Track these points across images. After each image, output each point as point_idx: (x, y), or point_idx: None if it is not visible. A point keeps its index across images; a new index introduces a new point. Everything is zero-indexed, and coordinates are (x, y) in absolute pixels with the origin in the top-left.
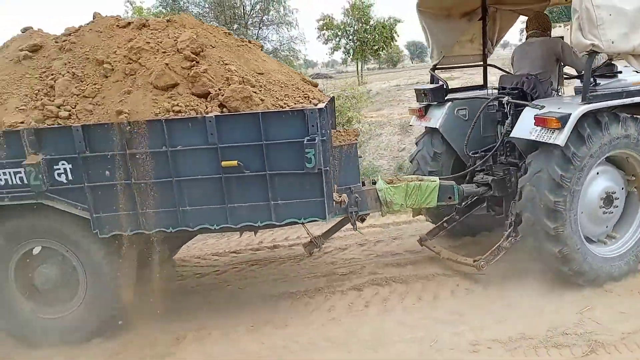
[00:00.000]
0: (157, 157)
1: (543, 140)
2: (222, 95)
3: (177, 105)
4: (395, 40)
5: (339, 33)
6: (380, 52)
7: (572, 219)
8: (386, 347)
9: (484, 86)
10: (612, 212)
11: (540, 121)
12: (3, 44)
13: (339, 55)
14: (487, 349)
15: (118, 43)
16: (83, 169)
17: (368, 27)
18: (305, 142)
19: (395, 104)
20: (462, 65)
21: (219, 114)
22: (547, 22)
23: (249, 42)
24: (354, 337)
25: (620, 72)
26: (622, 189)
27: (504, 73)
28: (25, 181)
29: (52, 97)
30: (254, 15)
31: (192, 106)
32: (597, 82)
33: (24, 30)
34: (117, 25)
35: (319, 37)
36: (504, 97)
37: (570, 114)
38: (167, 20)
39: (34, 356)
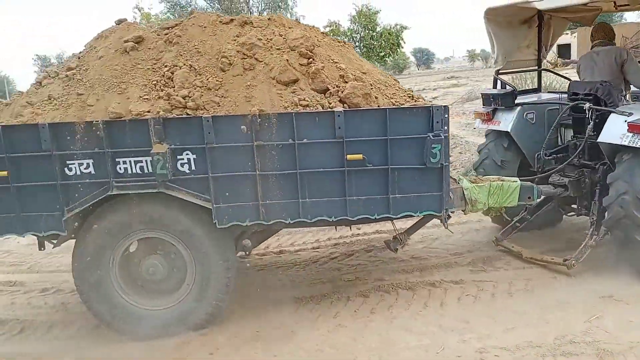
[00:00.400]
0: (283, 149)
1: (637, 146)
2: (342, 92)
3: (304, 100)
4: (402, 47)
5: (346, 39)
6: (386, 59)
7: None
8: (392, 354)
9: (537, 89)
10: None
11: (634, 127)
12: (98, 35)
13: None
14: (494, 356)
15: (225, 39)
16: (208, 160)
17: (374, 33)
18: (431, 138)
19: None
20: (520, 70)
21: (347, 109)
22: (612, 32)
23: (344, 42)
24: (360, 344)
25: None
26: None
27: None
28: (147, 170)
29: (172, 88)
30: None
31: (315, 101)
32: None
33: (119, 22)
34: (220, 22)
35: None
36: (584, 103)
37: None
38: (268, 19)
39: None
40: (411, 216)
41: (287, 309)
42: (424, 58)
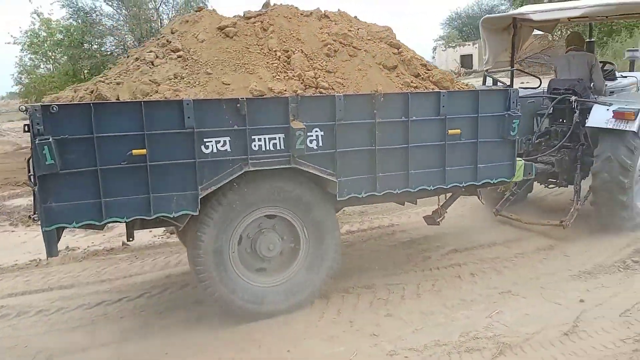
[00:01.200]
0: (398, 125)
1: (619, 128)
2: (433, 77)
3: (412, 82)
4: None
5: None
6: None
7: (634, 177)
8: None
9: (510, 86)
10: None
11: (619, 115)
12: (181, 20)
13: None
14: (403, 358)
15: (313, 29)
16: (335, 136)
17: None
18: (511, 115)
19: None
20: (502, 69)
21: (453, 90)
22: (583, 40)
23: None
24: (274, 354)
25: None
26: None
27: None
28: (280, 147)
29: (292, 70)
30: None
31: (417, 84)
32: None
33: (198, 9)
34: (302, 14)
35: None
36: (571, 97)
37: (633, 110)
38: (339, 14)
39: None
40: (489, 183)
41: (196, 326)
42: None
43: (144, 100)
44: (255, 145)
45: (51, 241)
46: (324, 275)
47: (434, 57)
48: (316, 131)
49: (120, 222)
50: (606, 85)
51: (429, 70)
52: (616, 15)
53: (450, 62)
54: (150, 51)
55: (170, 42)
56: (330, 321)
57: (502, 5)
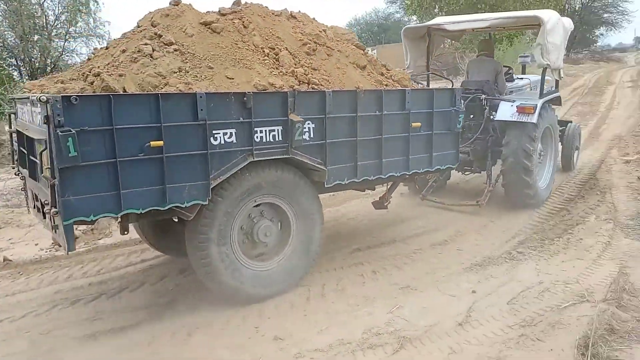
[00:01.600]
0: (373, 119)
1: (522, 120)
2: (395, 77)
3: (382, 81)
4: None
5: None
6: None
7: (535, 161)
8: None
9: (427, 86)
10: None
11: (521, 109)
12: (162, 13)
13: None
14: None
15: (287, 28)
16: (324, 128)
17: None
18: (457, 110)
19: None
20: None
21: (413, 88)
22: (493, 47)
23: None
24: None
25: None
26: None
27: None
28: (278, 138)
29: (282, 67)
30: (58, 26)
31: (384, 82)
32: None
33: (175, 3)
34: (273, 14)
35: None
36: (481, 95)
37: (537, 104)
38: (306, 16)
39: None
40: (439, 169)
41: (99, 343)
42: None
43: (161, 92)
44: (257, 137)
45: (70, 235)
46: (312, 257)
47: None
48: (308, 124)
49: (135, 213)
50: (507, 86)
51: (388, 70)
52: (513, 26)
53: None
54: (146, 43)
55: (161, 35)
56: (236, 328)
57: (397, 14)
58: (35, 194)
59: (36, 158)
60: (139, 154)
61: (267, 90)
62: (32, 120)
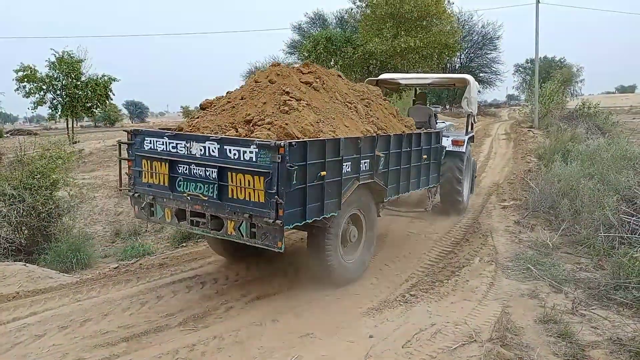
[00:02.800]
0: (406, 154)
1: (456, 150)
2: (407, 123)
3: (403, 126)
4: (111, 99)
5: (44, 87)
6: (94, 110)
7: (464, 177)
8: None
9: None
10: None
11: (455, 142)
12: (277, 72)
13: (45, 111)
14: None
15: (344, 86)
16: (388, 161)
17: (79, 83)
18: (442, 146)
19: (112, 165)
20: None
21: (423, 132)
22: (426, 98)
23: None
24: None
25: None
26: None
27: None
28: (366, 168)
29: (361, 117)
30: None
31: (403, 127)
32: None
33: (275, 64)
34: (300, 71)
35: (17, 89)
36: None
37: (465, 139)
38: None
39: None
40: (432, 186)
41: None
42: (138, 111)
43: (327, 139)
44: (361, 167)
45: (282, 237)
46: (371, 255)
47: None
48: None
49: (309, 222)
50: (436, 126)
51: (402, 118)
52: (447, 84)
53: None
54: (289, 99)
55: (289, 92)
56: None
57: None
58: (184, 209)
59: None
60: (314, 181)
61: (366, 135)
62: (222, 156)
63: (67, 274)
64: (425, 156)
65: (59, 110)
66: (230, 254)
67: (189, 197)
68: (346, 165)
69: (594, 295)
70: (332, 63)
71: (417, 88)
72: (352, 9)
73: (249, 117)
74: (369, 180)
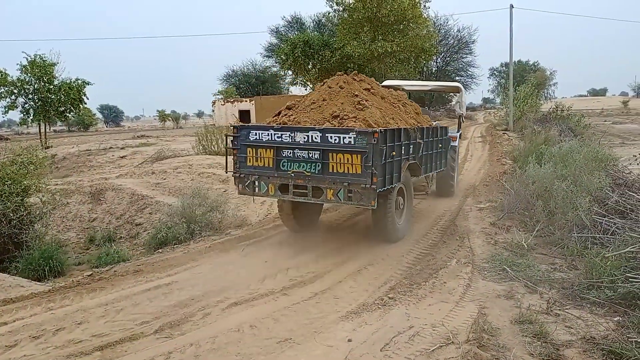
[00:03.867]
0: (429, 142)
1: (451, 144)
2: (425, 118)
3: (424, 122)
4: (85, 103)
5: (15, 91)
6: (67, 114)
7: (456, 166)
8: None
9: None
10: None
11: (451, 137)
12: (345, 80)
13: (16, 115)
14: None
15: (381, 89)
16: (422, 147)
17: (52, 86)
18: (449, 139)
19: (86, 170)
20: None
21: (440, 125)
22: (424, 101)
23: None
24: None
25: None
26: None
27: None
28: (410, 152)
29: (403, 113)
30: None
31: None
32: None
33: (342, 73)
34: (354, 80)
35: None
36: None
37: (457, 135)
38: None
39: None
40: (442, 170)
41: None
42: (113, 115)
43: (396, 128)
44: (409, 151)
45: (375, 196)
46: (411, 221)
47: (213, 111)
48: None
49: (387, 188)
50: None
51: (419, 114)
52: (444, 90)
53: (230, 117)
54: (362, 100)
55: (357, 95)
56: None
57: (273, 67)
58: (287, 184)
59: (326, 160)
60: (389, 159)
61: (412, 127)
62: (324, 141)
63: (39, 282)
64: (440, 145)
65: (31, 114)
66: (298, 228)
67: (292, 174)
68: (403, 149)
69: (567, 295)
70: (310, 66)
71: (414, 93)
72: (329, 13)
73: (335, 113)
74: (413, 161)
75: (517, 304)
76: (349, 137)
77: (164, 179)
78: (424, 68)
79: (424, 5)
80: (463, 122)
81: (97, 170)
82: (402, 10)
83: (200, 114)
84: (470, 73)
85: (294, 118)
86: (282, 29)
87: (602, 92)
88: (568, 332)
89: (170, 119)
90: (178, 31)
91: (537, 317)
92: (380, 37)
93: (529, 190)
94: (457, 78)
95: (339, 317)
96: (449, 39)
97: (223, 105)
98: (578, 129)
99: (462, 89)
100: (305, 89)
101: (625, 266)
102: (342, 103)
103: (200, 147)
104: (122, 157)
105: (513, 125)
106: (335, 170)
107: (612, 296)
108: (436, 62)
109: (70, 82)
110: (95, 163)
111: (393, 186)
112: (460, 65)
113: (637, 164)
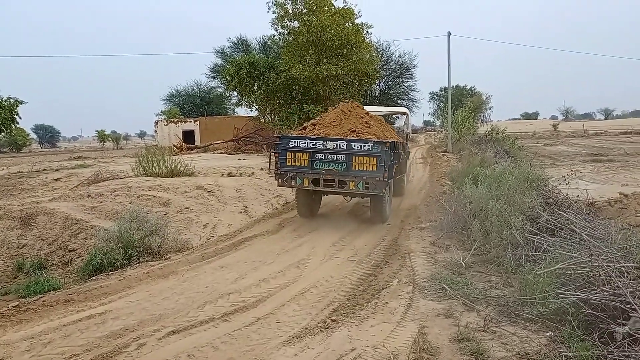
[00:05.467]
0: (402, 153)
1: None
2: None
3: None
4: (17, 123)
5: None
6: None
7: (405, 179)
8: None
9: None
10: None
11: None
12: (349, 108)
13: None
14: None
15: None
16: (402, 147)
17: None
18: (409, 151)
19: (16, 193)
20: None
21: (405, 140)
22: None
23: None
24: None
25: None
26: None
27: None
28: (394, 158)
29: (384, 133)
30: None
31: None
32: None
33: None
34: (357, 107)
35: None
36: None
37: (408, 149)
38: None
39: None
40: (404, 174)
41: None
42: (48, 136)
43: (394, 140)
44: (394, 157)
45: (386, 186)
46: (405, 188)
47: (155, 131)
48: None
49: (388, 182)
50: None
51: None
52: (394, 113)
53: (173, 137)
54: (367, 122)
55: (362, 117)
56: None
57: (218, 88)
58: (330, 180)
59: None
60: (390, 162)
61: (398, 140)
62: (349, 148)
63: None
64: (405, 155)
65: None
66: (309, 215)
67: (323, 170)
68: (394, 155)
69: (503, 311)
70: (255, 88)
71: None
72: (274, 36)
73: (352, 129)
74: (396, 165)
75: (455, 322)
76: (368, 145)
77: (101, 202)
78: (368, 91)
79: (367, 31)
80: (410, 139)
81: (29, 194)
82: (345, 35)
83: (142, 135)
84: (411, 97)
85: (323, 131)
86: (227, 50)
87: (534, 116)
88: (504, 348)
89: (110, 139)
90: (122, 49)
91: (474, 334)
92: (325, 61)
93: (466, 210)
94: (399, 102)
95: (281, 342)
96: (391, 64)
97: (166, 125)
98: (512, 150)
99: (409, 112)
100: (251, 110)
101: (556, 282)
102: (354, 122)
103: (141, 169)
104: (56, 180)
105: (452, 147)
106: (356, 169)
107: (544, 312)
108: (379, 86)
109: (2, 100)
110: (27, 186)
111: (390, 180)
112: (402, 89)
113: (566, 184)
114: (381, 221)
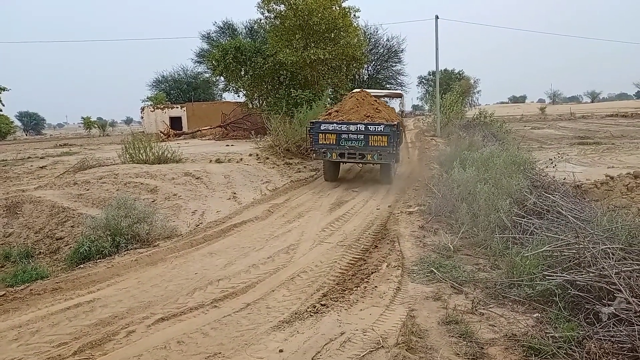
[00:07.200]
0: (400, 132)
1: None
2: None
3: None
4: (0, 110)
5: None
6: None
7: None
8: None
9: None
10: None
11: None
12: (360, 95)
13: None
14: None
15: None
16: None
17: None
18: (404, 127)
19: (1, 182)
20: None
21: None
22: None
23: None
24: None
25: None
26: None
27: None
28: (398, 133)
29: (389, 116)
30: None
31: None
32: None
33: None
34: (369, 95)
35: None
36: None
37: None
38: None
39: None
40: (401, 145)
41: None
42: (33, 123)
43: (399, 121)
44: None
45: (395, 157)
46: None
47: (142, 118)
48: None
49: (396, 153)
50: None
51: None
52: (391, 96)
53: (160, 124)
54: (377, 108)
55: (373, 104)
56: None
57: (205, 74)
58: (352, 153)
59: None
60: (397, 138)
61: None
62: (366, 129)
63: None
64: (403, 132)
65: None
66: (334, 179)
67: (347, 147)
68: (398, 133)
69: (491, 294)
70: (242, 73)
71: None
72: (261, 20)
73: (366, 114)
74: (398, 139)
75: (444, 304)
76: (380, 127)
77: (87, 190)
78: (356, 76)
79: (354, 15)
80: (405, 116)
81: (14, 182)
82: (332, 19)
83: (128, 121)
84: (399, 81)
85: (345, 117)
86: (213, 35)
87: (521, 99)
88: (492, 330)
89: (96, 126)
90: (105, 33)
91: (462, 317)
92: (312, 45)
93: (454, 193)
94: (387, 86)
95: (270, 327)
96: (379, 48)
97: (153, 111)
98: (500, 134)
99: (404, 94)
100: (239, 96)
101: (543, 264)
102: (367, 109)
103: (127, 156)
104: (41, 168)
105: (440, 131)
106: (372, 145)
107: (531, 294)
108: (367, 70)
109: None
110: (12, 174)
111: (397, 151)
112: (391, 74)
113: (554, 166)
114: (388, 182)
